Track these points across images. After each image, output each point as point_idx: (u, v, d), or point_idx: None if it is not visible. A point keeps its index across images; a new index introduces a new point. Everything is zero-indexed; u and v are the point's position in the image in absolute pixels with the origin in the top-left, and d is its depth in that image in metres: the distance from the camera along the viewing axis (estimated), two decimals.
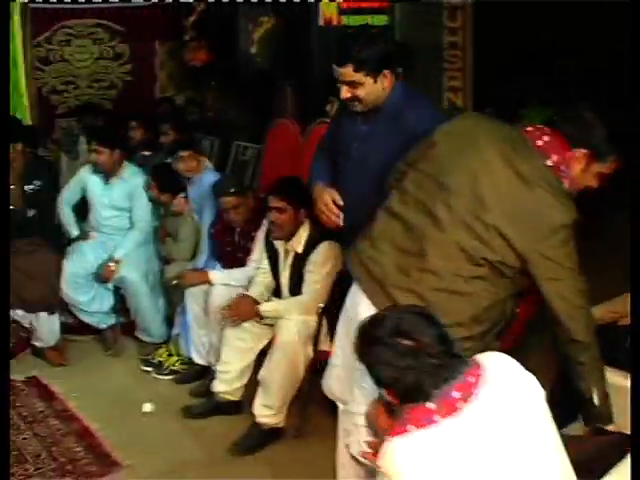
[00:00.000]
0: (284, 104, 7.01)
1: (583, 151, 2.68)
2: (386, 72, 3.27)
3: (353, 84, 3.23)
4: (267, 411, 4.00)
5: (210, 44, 8.36)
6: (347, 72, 3.20)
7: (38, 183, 5.09)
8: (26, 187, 5.07)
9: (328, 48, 6.50)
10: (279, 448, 4.07)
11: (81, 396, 4.67)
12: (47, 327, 5.14)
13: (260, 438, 4.03)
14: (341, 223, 3.51)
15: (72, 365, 5.18)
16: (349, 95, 3.26)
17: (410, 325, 2.08)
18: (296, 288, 4.17)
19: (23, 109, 8.48)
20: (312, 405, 4.15)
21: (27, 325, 5.16)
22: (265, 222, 4.33)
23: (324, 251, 4.12)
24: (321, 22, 6.65)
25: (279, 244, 4.29)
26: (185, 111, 8.13)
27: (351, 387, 2.92)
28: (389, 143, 3.24)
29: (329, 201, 3.49)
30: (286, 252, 4.25)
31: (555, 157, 2.65)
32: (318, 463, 3.65)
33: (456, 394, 2.04)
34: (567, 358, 2.69)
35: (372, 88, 3.26)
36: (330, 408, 4.14)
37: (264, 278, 4.31)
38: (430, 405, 2.04)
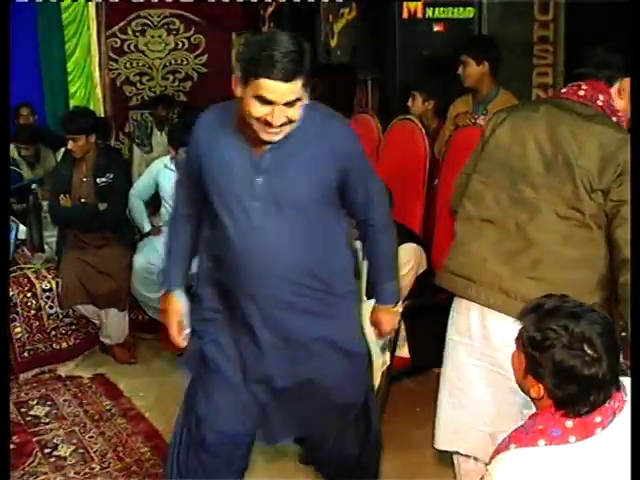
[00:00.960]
0: (364, 98, 7.00)
1: (625, 80, 2.82)
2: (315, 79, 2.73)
3: (292, 103, 2.57)
4: None
5: None
6: (295, 88, 2.53)
7: (111, 176, 5.14)
8: (98, 180, 5.14)
9: (411, 41, 6.48)
10: None
11: (148, 396, 4.73)
12: (116, 324, 5.21)
13: None
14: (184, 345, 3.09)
15: (140, 363, 5.27)
16: (285, 120, 2.58)
17: (594, 332, 2.03)
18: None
19: (96, 100, 8.64)
20: (386, 414, 4.13)
21: (96, 321, 5.25)
22: None
23: (403, 253, 4.08)
24: (404, 14, 6.61)
25: (357, 245, 4.27)
26: None
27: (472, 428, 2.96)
28: (318, 166, 2.74)
29: (175, 329, 3.06)
30: (364, 254, 4.23)
31: (602, 97, 2.80)
32: (391, 474, 3.64)
33: (597, 418, 2.03)
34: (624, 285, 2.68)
35: (302, 105, 2.63)
36: (405, 418, 4.15)
37: None
38: (569, 424, 2.04)
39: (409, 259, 4.10)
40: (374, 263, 3.15)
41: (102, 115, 8.37)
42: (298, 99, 2.57)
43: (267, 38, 2.54)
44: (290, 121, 2.60)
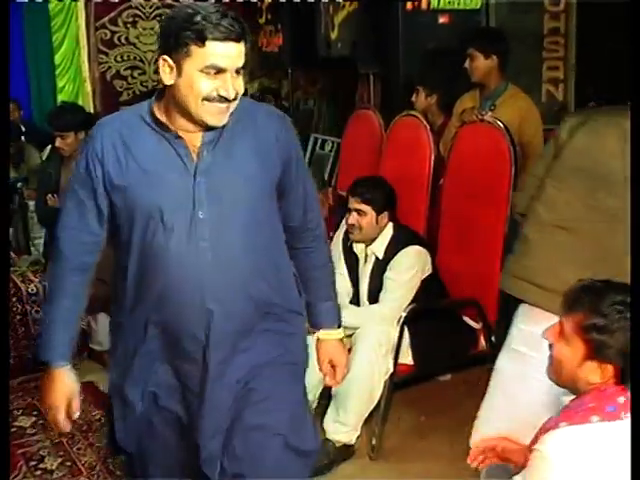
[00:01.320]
0: (366, 93, 7.00)
1: None
2: None
3: (239, 71, 2.35)
4: (341, 427, 3.95)
5: (287, 28, 8.38)
6: (243, 50, 2.32)
7: None
8: None
9: (415, 34, 6.47)
10: (350, 468, 3.99)
11: None
12: (106, 329, 5.18)
13: (330, 456, 3.96)
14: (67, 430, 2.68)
15: None
16: (235, 93, 2.33)
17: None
18: (377, 296, 4.15)
19: (85, 95, 8.64)
20: (388, 424, 4.13)
21: (85, 327, 5.24)
22: (343, 222, 4.31)
23: (407, 256, 4.10)
24: (408, 5, 6.60)
25: (358, 248, 4.27)
26: (260, 100, 8.19)
27: None
28: (263, 156, 2.48)
29: (62, 414, 2.63)
30: (366, 257, 4.23)
31: None
32: None
33: None
34: None
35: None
36: (409, 428, 4.14)
37: (341, 284, 4.19)
38: (621, 399, 2.11)
39: (414, 262, 4.09)
40: (311, 277, 2.78)
41: (92, 111, 8.36)
42: (244, 67, 2.35)
43: (191, 6, 2.29)
44: (236, 96, 2.35)
